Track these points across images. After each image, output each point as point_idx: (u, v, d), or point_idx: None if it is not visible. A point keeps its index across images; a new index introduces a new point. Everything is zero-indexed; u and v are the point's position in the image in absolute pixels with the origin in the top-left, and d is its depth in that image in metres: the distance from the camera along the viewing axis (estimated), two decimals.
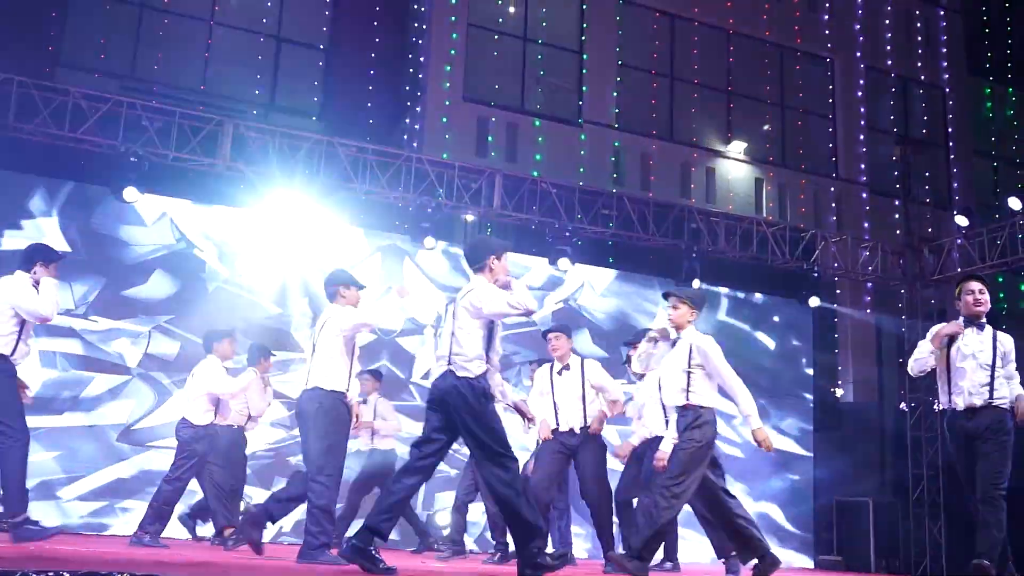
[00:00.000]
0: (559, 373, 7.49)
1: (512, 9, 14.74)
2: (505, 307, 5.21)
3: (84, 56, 12.98)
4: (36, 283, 6.42)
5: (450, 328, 5.38)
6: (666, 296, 6.18)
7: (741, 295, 14.08)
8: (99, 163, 10.71)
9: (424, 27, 14.11)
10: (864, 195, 16.23)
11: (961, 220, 13.65)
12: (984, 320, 6.26)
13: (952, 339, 6.25)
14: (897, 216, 16.04)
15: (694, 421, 5.82)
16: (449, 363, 5.27)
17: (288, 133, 11.37)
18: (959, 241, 13.88)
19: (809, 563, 13.42)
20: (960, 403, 6.20)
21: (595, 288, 13.26)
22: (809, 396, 13.96)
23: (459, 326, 5.30)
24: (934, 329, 6.42)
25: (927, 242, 14.48)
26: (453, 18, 13.93)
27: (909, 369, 6.65)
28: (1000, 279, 16.92)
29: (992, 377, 6.07)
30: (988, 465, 5.95)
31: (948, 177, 17.26)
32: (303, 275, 11.62)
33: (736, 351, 13.57)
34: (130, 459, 10.50)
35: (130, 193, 10.40)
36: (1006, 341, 6.25)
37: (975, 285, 6.25)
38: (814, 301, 13.36)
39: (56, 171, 10.91)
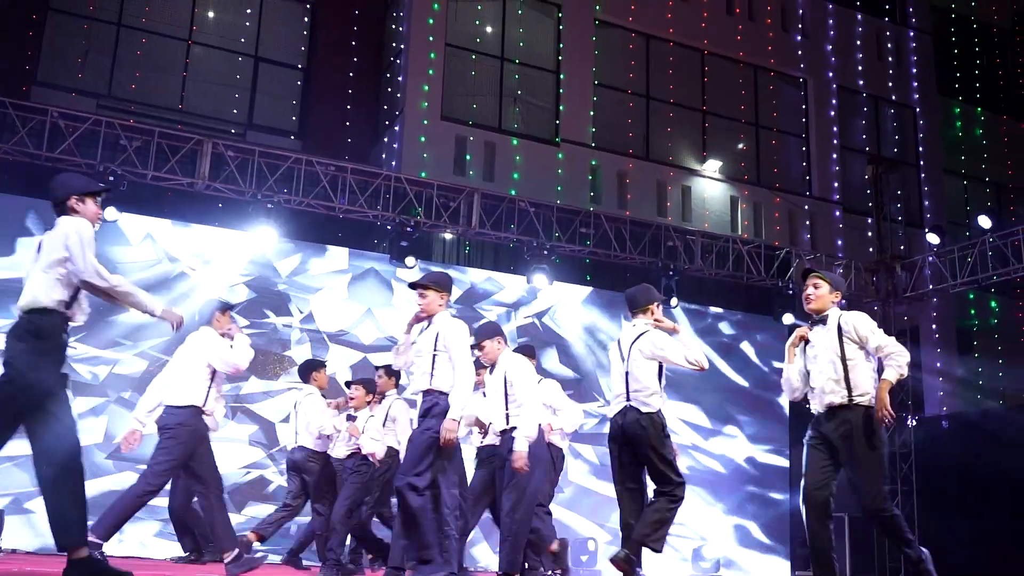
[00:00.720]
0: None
1: (489, 29, 14.85)
2: (683, 361, 5.72)
3: (61, 75, 12.96)
4: (223, 334, 6.76)
5: (622, 368, 5.85)
6: (412, 286, 6.20)
7: (717, 311, 14.21)
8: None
9: (402, 47, 14.19)
10: (837, 213, 16.43)
11: (932, 238, 13.87)
12: (830, 313, 5.44)
13: (806, 343, 5.51)
14: (870, 234, 16.23)
15: (432, 408, 5.75)
16: (628, 399, 5.74)
17: (267, 152, 11.41)
18: (931, 259, 14.10)
19: None
20: (817, 406, 5.40)
21: (569, 306, 13.34)
22: (785, 411, 14.08)
23: (635, 365, 5.76)
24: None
25: (900, 260, 14.68)
26: (431, 38, 14.02)
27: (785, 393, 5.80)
28: (971, 296, 17.19)
29: (845, 369, 5.26)
30: (862, 474, 5.18)
31: (919, 195, 17.51)
32: (288, 293, 11.63)
33: (712, 367, 13.74)
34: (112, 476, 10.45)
35: (110, 212, 10.38)
36: (853, 318, 5.35)
37: (808, 280, 5.55)
38: (788, 318, 13.49)
39: (33, 191, 10.88)
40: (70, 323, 4.62)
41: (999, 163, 19.04)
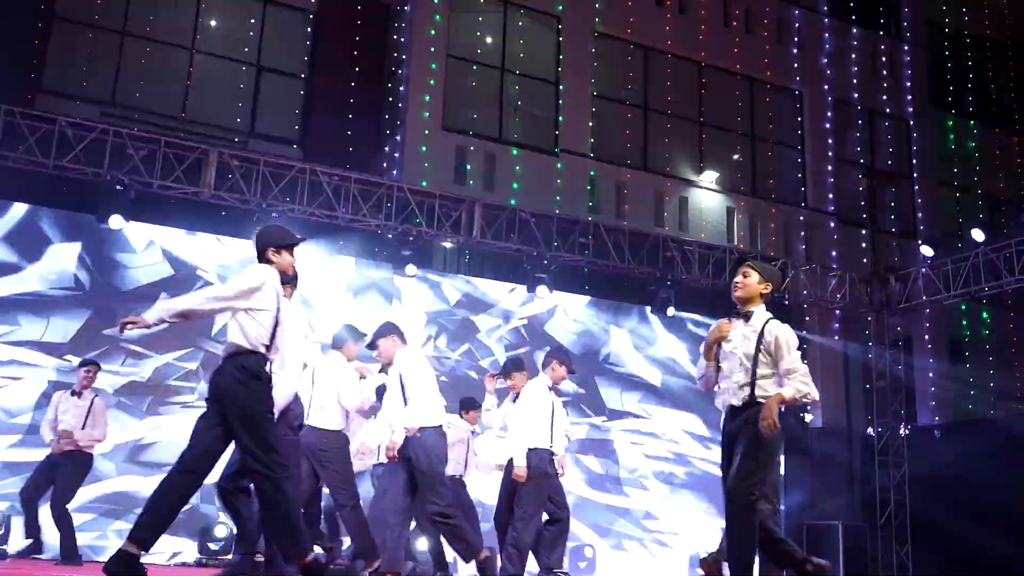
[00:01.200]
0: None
1: (490, 40, 15.01)
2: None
3: (65, 83, 13.05)
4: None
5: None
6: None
7: (713, 322, 14.35)
8: (85, 191, 10.81)
9: (403, 57, 14.34)
10: (832, 224, 16.62)
11: (926, 250, 14.10)
12: (756, 311, 5.19)
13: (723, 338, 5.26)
14: (864, 245, 16.43)
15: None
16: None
17: (271, 162, 11.53)
18: (924, 271, 14.30)
19: None
20: (720, 405, 5.29)
21: (567, 314, 13.50)
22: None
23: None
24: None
25: (893, 271, 14.87)
26: (432, 48, 14.17)
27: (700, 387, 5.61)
28: (963, 307, 17.38)
29: (753, 375, 5.06)
30: (738, 459, 5.01)
31: (913, 207, 17.71)
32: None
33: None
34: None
35: (116, 221, 10.52)
36: (778, 331, 5.07)
37: (740, 268, 5.32)
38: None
39: (46, 199, 11.03)
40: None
41: (991, 176, 19.25)
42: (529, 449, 7.28)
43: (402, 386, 6.58)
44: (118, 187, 10.52)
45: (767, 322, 5.10)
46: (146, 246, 11.33)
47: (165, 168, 10.93)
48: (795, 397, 4.97)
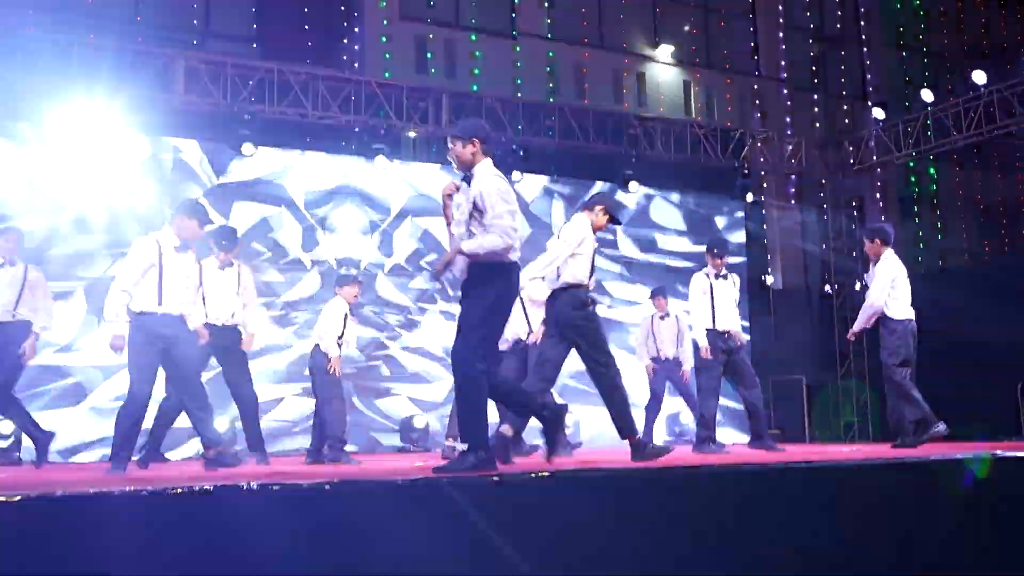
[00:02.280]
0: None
1: None
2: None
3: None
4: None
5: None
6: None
7: (676, 196, 14.82)
8: None
9: None
10: (785, 92, 17.01)
11: (877, 112, 14.56)
12: (475, 170, 4.97)
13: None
14: (816, 110, 16.87)
15: None
16: None
17: (238, 64, 11.57)
18: (875, 132, 14.80)
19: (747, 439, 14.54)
20: None
21: (539, 194, 13.86)
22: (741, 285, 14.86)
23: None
24: None
25: (846, 135, 15.36)
26: None
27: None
28: (911, 164, 18.02)
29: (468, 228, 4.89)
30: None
31: (862, 70, 18.11)
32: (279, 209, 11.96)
33: (675, 249, 14.44)
34: None
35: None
36: (483, 188, 4.79)
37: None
38: (749, 196, 14.20)
39: None
40: None
41: (938, 33, 19.65)
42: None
43: None
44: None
45: (481, 176, 4.89)
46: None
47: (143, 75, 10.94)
48: (474, 251, 4.74)
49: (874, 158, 14.87)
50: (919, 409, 7.44)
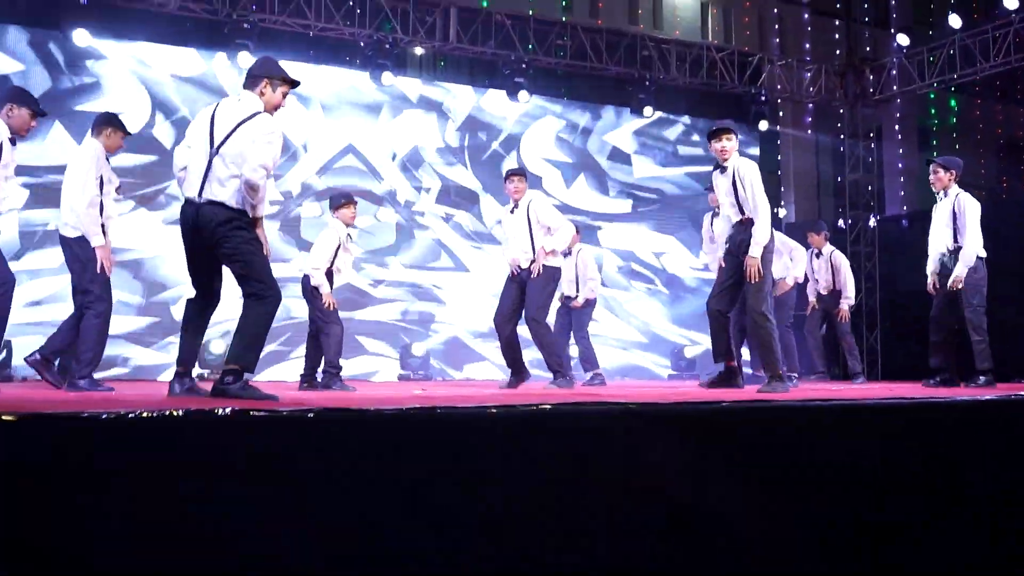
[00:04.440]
0: (511, 212, 7.45)
1: None
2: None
3: None
4: None
5: None
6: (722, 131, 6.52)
7: (691, 121, 14.39)
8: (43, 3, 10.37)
9: None
10: (806, 16, 16.40)
11: (902, 39, 14.02)
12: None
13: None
14: (837, 36, 16.29)
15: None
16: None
17: None
18: (898, 60, 14.28)
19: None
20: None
21: (551, 117, 13.43)
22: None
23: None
24: None
25: (868, 62, 14.83)
26: None
27: None
28: (932, 95, 17.47)
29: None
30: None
31: None
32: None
33: (687, 176, 14.06)
34: None
35: (81, 36, 10.16)
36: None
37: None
38: (763, 125, 13.75)
39: None
40: None
41: None
42: None
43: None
44: (82, 1, 10.10)
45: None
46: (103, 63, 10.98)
47: None
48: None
49: (896, 87, 14.37)
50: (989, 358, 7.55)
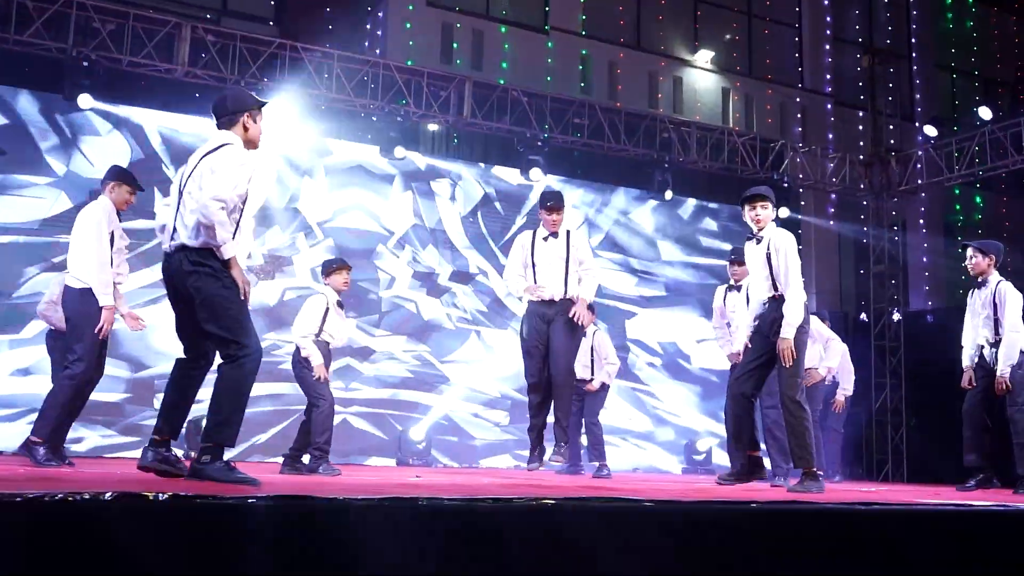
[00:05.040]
0: (545, 240, 6.64)
1: None
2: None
3: None
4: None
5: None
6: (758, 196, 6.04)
7: (712, 205, 13.98)
8: (49, 68, 10.09)
9: None
10: (829, 106, 16.12)
11: (930, 130, 13.69)
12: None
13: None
14: (861, 128, 15.98)
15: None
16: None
17: (248, 37, 10.85)
18: (922, 152, 13.90)
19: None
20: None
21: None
22: None
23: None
24: None
25: (894, 153, 14.46)
26: None
27: None
28: (957, 191, 17.07)
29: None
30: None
31: (911, 89, 17.21)
32: (272, 187, 11.22)
33: (706, 261, 13.58)
34: None
35: (84, 100, 9.86)
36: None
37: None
38: (784, 212, 13.31)
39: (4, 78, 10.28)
40: None
41: (989, 57, 18.74)
42: None
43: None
44: (84, 63, 9.83)
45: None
46: (111, 128, 10.66)
47: (135, 44, 10.23)
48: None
49: (923, 179, 13.95)
50: None
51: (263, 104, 4.50)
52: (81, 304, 5.76)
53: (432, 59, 12.83)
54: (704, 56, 15.20)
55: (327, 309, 6.88)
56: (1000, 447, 7.20)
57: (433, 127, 12.37)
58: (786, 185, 13.32)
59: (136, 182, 6.17)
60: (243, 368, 4.12)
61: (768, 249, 5.83)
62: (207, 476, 4.01)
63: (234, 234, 4.21)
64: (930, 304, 16.02)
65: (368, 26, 13.57)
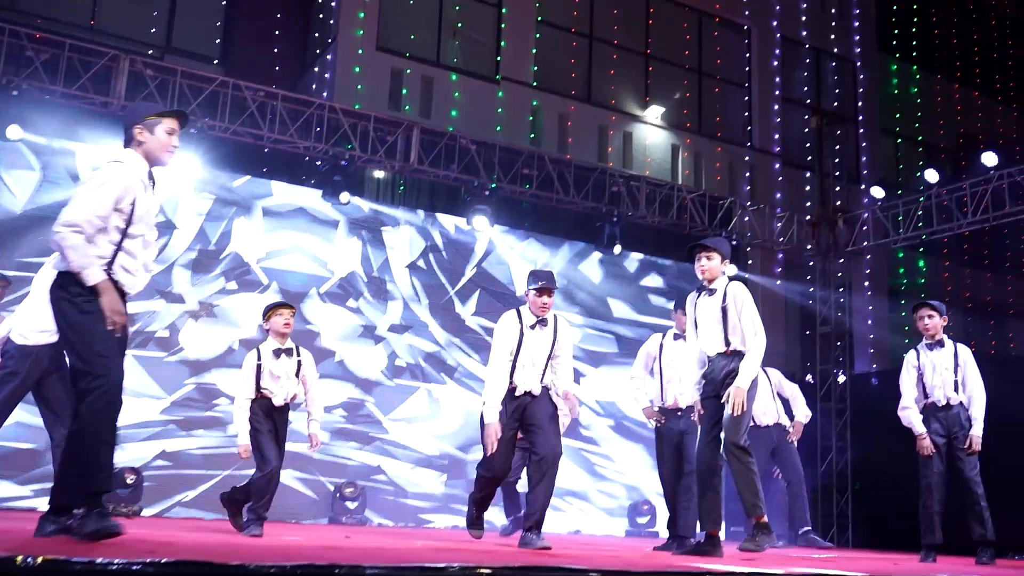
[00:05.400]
0: (532, 328, 6.08)
1: None
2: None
3: None
4: None
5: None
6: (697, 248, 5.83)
7: (659, 261, 13.82)
8: None
9: None
10: (777, 166, 16.17)
11: (877, 191, 13.72)
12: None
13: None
14: (808, 188, 16.04)
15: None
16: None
17: (190, 73, 10.51)
18: (867, 215, 13.92)
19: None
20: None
21: (512, 249, 12.78)
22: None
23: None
24: None
25: (842, 213, 14.48)
26: None
27: None
28: (900, 254, 17.18)
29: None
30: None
31: (857, 151, 17.37)
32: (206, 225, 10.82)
33: (653, 317, 13.37)
34: None
35: (13, 131, 9.44)
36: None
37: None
38: (731, 269, 13.19)
39: None
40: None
41: (931, 123, 19.03)
42: None
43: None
44: (15, 93, 9.41)
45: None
46: (43, 163, 10.21)
47: (70, 75, 9.84)
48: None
49: (870, 240, 13.95)
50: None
51: (164, 112, 4.17)
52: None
53: (380, 104, 12.60)
54: (655, 112, 15.18)
55: (258, 366, 6.38)
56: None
57: (379, 173, 12.10)
58: (735, 243, 13.24)
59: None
60: (96, 404, 3.74)
61: (724, 302, 5.63)
62: (75, 533, 3.67)
63: (113, 256, 3.89)
64: (875, 367, 15.98)
65: (316, 69, 13.33)
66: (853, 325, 15.95)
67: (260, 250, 11.15)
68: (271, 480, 6.13)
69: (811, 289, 14.72)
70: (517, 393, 5.79)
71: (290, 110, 10.89)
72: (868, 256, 15.75)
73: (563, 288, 12.99)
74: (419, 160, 11.46)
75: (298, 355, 6.58)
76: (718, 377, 5.59)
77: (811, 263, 14.73)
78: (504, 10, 14.20)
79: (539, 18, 14.50)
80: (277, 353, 6.48)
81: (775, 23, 16.69)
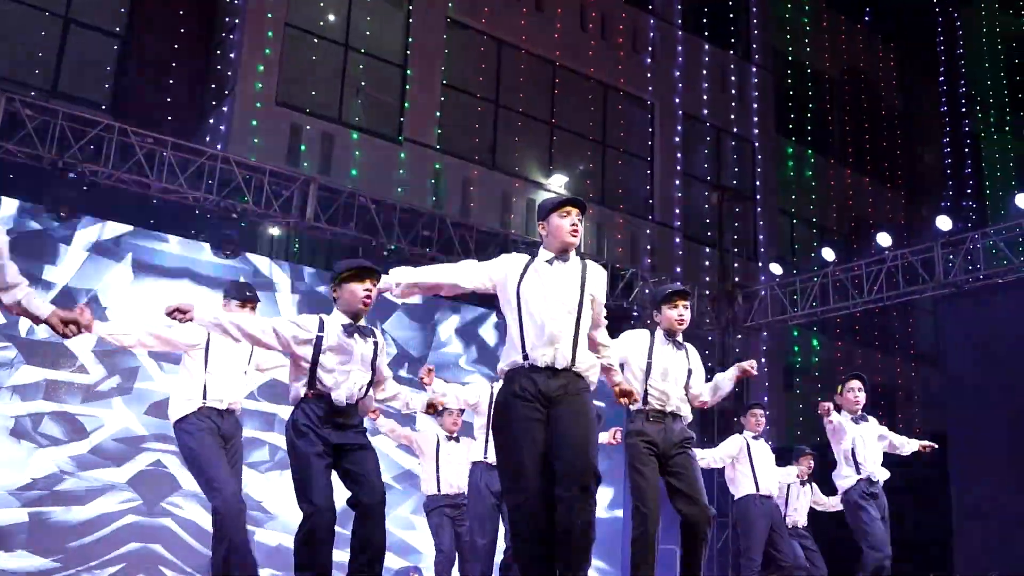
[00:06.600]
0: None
1: (332, 17, 13.76)
2: None
3: None
4: None
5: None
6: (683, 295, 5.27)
7: None
8: None
9: (236, 21, 12.92)
10: (678, 240, 16.22)
11: (775, 267, 13.81)
12: None
13: None
14: (708, 263, 16.12)
15: None
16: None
17: (72, 115, 9.92)
18: (765, 292, 14.00)
19: None
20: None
21: (407, 313, 12.37)
22: (617, 441, 13.55)
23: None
24: None
25: (741, 288, 14.53)
26: (269, 15, 12.83)
27: None
28: (795, 333, 17.35)
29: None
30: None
31: (755, 229, 17.58)
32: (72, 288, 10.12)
33: None
34: None
35: None
36: None
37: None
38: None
39: None
40: None
41: (824, 206, 19.49)
42: None
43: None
44: None
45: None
46: None
47: None
48: None
49: (764, 318, 14.01)
50: None
51: None
52: None
53: (278, 159, 12.14)
54: (558, 181, 15.09)
55: (318, 339, 4.66)
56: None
57: (274, 230, 11.62)
58: (636, 314, 13.10)
59: None
60: None
61: (690, 363, 5.18)
62: None
63: None
64: (771, 444, 15.94)
65: (212, 120, 12.84)
66: (750, 400, 15.93)
67: (144, 306, 10.48)
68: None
69: (709, 364, 14.62)
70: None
71: (180, 159, 10.36)
72: (764, 333, 15.82)
73: (466, 351, 12.63)
74: (316, 217, 11.02)
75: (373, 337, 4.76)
76: (669, 443, 5.45)
77: (710, 338, 14.70)
78: (409, 71, 13.99)
79: (444, 81, 14.33)
80: (349, 331, 4.70)
81: (677, 100, 16.90)
